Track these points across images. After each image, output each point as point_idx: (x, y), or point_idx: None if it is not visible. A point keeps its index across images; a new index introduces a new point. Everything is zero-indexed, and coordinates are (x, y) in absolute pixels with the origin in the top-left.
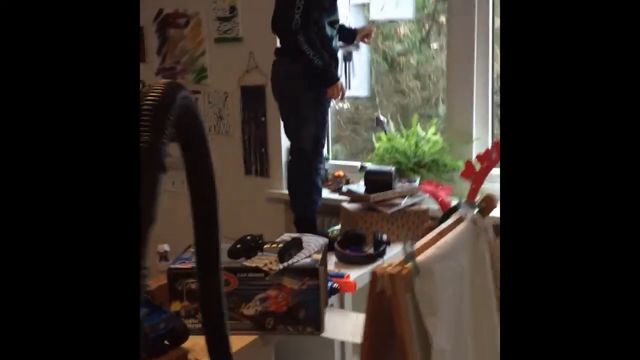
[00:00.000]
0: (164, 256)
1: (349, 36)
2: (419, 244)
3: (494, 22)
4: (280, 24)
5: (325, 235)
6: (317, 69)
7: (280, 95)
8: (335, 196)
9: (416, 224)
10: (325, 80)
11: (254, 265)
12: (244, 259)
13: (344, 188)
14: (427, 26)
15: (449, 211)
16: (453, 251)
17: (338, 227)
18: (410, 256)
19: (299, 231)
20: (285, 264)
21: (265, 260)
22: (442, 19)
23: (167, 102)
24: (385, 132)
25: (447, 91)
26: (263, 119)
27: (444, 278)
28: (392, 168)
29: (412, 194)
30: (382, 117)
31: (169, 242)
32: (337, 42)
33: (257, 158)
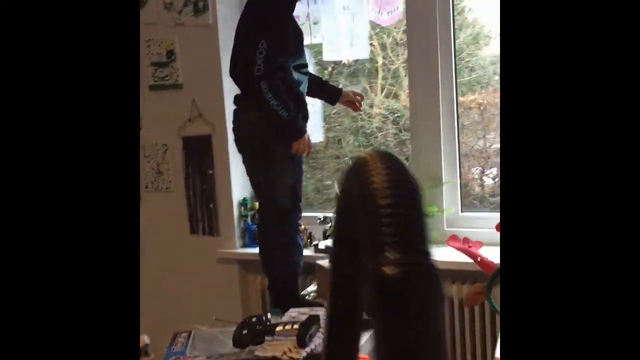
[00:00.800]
0: (144, 350)
1: (332, 95)
2: None
3: (456, 57)
4: (240, 69)
5: (310, 303)
6: (281, 121)
7: (246, 146)
8: (306, 253)
9: None
10: (290, 133)
11: (269, 355)
12: (252, 346)
13: (321, 244)
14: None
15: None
16: None
17: (313, 288)
18: None
19: (275, 300)
20: (308, 349)
21: (281, 348)
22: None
23: None
24: None
25: (412, 132)
26: (210, 171)
27: None
28: None
29: None
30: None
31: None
32: (305, 87)
33: (204, 215)
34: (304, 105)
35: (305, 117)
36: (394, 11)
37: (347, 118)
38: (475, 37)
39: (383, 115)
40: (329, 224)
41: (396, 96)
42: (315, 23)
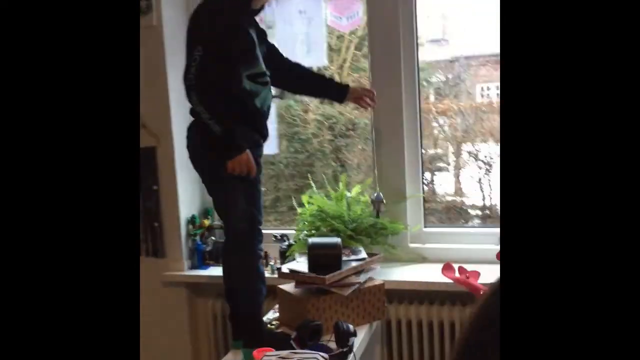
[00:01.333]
0: None
1: (339, 93)
2: None
3: (419, 72)
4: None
5: (276, 335)
6: (215, 136)
7: (195, 163)
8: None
9: (372, 303)
10: (223, 151)
11: None
12: None
13: (284, 268)
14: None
15: None
16: None
17: (274, 314)
18: None
19: (236, 330)
20: None
21: None
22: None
23: None
24: (378, 214)
25: (375, 146)
26: (155, 187)
27: None
28: (338, 240)
29: (367, 268)
30: (380, 196)
31: None
32: (269, 99)
33: (148, 235)
34: (258, 120)
35: (259, 131)
36: (354, 16)
37: (282, 124)
38: None
39: (318, 121)
40: (286, 242)
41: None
42: (269, 27)
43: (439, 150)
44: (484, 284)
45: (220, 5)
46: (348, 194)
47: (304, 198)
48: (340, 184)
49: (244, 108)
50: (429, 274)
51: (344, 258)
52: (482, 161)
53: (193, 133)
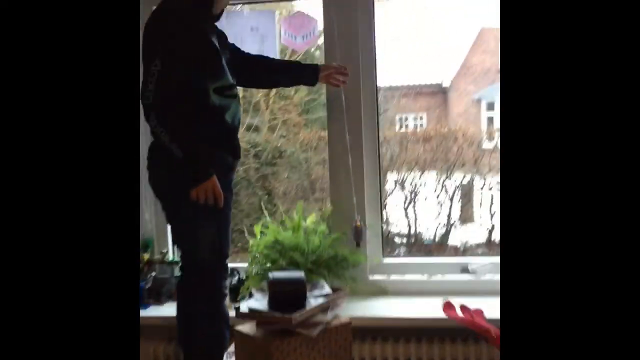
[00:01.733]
0: None
1: (310, 74)
2: None
3: (377, 91)
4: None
5: None
6: (178, 160)
7: (155, 188)
8: None
9: (339, 343)
10: (189, 177)
11: None
12: None
13: (243, 307)
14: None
15: None
16: None
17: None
18: None
19: None
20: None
21: None
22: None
23: None
24: (358, 244)
25: (331, 172)
26: None
27: None
28: (302, 274)
29: (333, 305)
30: (363, 227)
31: None
32: (239, 112)
33: None
34: (230, 137)
35: (232, 151)
36: (309, 35)
37: None
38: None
39: (244, 149)
40: (236, 277)
41: (257, 129)
42: None
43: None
44: (491, 323)
45: (179, 13)
46: (302, 223)
47: (257, 228)
48: (296, 213)
49: (213, 126)
50: (393, 308)
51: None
52: (409, 190)
53: (154, 154)
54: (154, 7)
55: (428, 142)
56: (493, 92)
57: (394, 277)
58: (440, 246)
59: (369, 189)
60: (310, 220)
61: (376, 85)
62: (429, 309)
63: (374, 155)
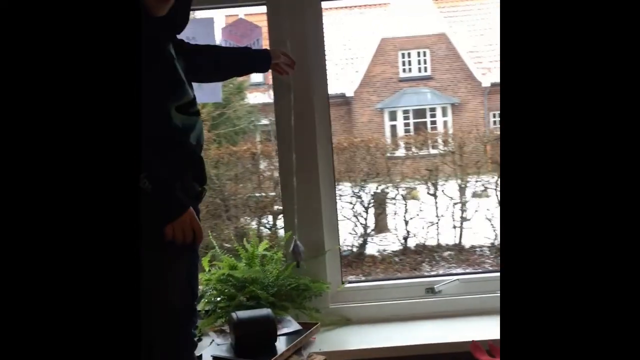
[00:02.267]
0: None
1: (263, 63)
2: None
3: (328, 101)
4: None
5: None
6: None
7: None
8: None
9: None
10: (162, 211)
11: None
12: None
13: (206, 354)
14: None
15: None
16: None
17: None
18: None
19: None
20: None
21: None
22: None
23: None
24: (298, 265)
25: (284, 197)
26: None
27: None
28: (269, 311)
29: (306, 343)
30: (300, 245)
31: None
32: (203, 130)
33: None
34: (196, 161)
35: (198, 177)
36: (254, 45)
37: None
38: (239, 87)
39: None
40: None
41: None
42: None
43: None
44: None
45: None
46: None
47: (205, 261)
48: (250, 241)
49: (178, 150)
50: (365, 338)
51: None
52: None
53: None
54: None
55: (342, 153)
56: (394, 102)
57: (355, 304)
58: (358, 257)
59: (326, 208)
60: (263, 247)
61: (327, 96)
62: (401, 336)
63: (328, 171)
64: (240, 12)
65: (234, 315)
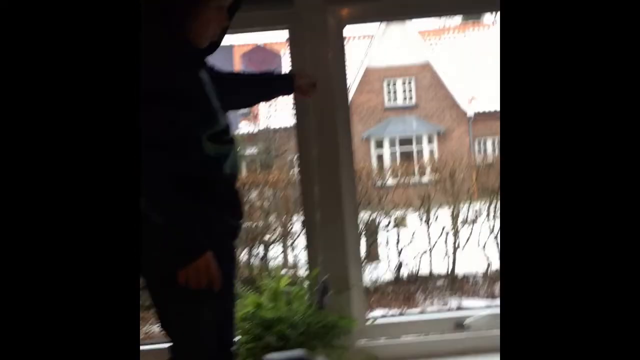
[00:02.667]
0: None
1: (286, 86)
2: None
3: (350, 126)
4: None
5: None
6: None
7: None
8: None
9: None
10: (175, 254)
11: None
12: None
13: None
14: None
15: None
16: None
17: None
18: None
19: None
20: None
21: None
22: None
23: None
24: (322, 307)
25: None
26: None
27: None
28: (301, 353)
29: None
30: (329, 287)
31: None
32: (238, 158)
33: None
34: (230, 191)
35: (234, 210)
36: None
37: None
38: None
39: None
40: None
41: None
42: None
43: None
44: None
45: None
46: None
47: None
48: (273, 277)
49: (210, 183)
50: None
51: None
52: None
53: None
54: None
55: None
56: (380, 130)
57: (383, 341)
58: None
59: (350, 241)
60: (284, 282)
61: (349, 121)
62: None
63: (352, 202)
64: (259, 37)
65: (267, 358)
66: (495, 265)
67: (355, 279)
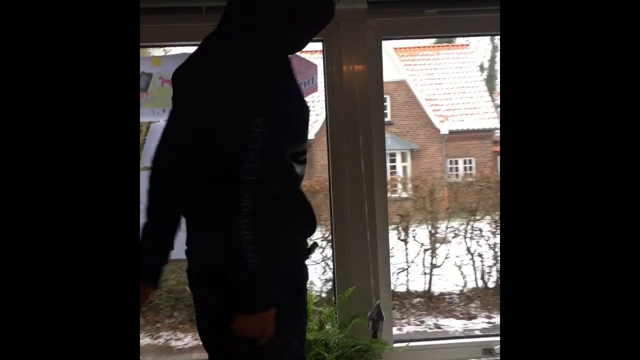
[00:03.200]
0: None
1: None
2: None
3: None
4: (215, 166)
5: None
6: (236, 277)
7: (204, 288)
8: None
9: None
10: (246, 301)
11: None
12: None
13: None
14: None
15: None
16: None
17: None
18: None
19: None
20: None
21: None
22: None
23: None
24: (376, 334)
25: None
26: None
27: None
28: None
29: None
30: (383, 313)
31: None
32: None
33: None
34: (307, 209)
35: (310, 226)
36: (309, 83)
37: None
38: None
39: None
40: None
41: None
42: None
43: None
44: None
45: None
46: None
47: None
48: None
49: (297, 204)
50: None
51: None
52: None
53: (205, 249)
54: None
55: (314, 197)
56: None
57: None
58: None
59: (382, 263)
60: (312, 302)
61: (384, 135)
62: None
63: (383, 223)
64: None
65: None
66: (471, 285)
67: (384, 299)
